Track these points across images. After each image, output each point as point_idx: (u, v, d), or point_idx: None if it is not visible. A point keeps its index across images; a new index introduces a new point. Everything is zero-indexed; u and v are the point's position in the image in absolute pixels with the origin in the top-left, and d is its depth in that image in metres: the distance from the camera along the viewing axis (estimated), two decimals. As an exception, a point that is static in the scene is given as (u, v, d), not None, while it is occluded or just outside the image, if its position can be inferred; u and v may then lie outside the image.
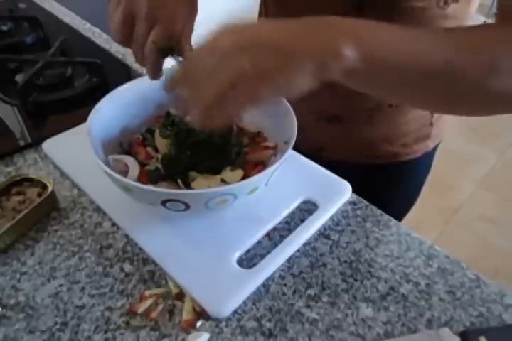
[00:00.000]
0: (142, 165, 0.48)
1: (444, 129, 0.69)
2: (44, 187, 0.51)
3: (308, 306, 0.42)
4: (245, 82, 0.33)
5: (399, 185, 0.71)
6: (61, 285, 0.44)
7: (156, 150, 0.50)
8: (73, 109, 0.67)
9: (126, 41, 0.43)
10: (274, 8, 0.60)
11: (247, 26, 0.34)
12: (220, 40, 0.34)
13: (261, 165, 0.48)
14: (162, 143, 0.49)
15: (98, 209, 0.51)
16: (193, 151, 0.48)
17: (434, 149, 0.71)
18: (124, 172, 0.47)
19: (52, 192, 0.50)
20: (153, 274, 0.45)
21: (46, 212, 0.50)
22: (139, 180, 0.46)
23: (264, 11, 0.64)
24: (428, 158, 0.71)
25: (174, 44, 0.42)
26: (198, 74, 0.35)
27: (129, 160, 0.48)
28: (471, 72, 0.34)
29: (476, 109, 0.40)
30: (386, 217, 0.51)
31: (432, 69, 0.34)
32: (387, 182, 0.69)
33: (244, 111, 0.35)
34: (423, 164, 0.73)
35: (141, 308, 0.41)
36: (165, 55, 0.43)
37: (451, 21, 0.51)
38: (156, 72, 0.45)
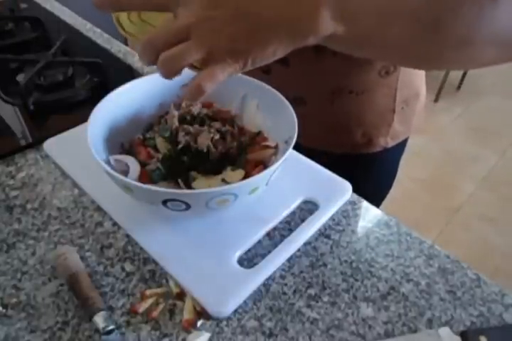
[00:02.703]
0: (143, 165, 0.48)
1: (406, 131, 0.70)
2: None
3: (308, 306, 0.42)
4: (217, 50, 0.32)
5: (364, 176, 0.73)
6: (62, 285, 0.44)
7: (157, 150, 0.50)
8: (74, 109, 0.67)
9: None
10: None
11: None
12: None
13: (261, 165, 0.48)
14: (162, 143, 0.49)
15: (99, 209, 0.52)
16: (193, 152, 0.48)
17: (397, 150, 0.73)
18: (125, 172, 0.47)
19: None
20: (153, 274, 0.45)
21: None
22: (140, 179, 0.46)
23: None
24: (390, 155, 0.73)
25: None
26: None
27: (130, 160, 0.48)
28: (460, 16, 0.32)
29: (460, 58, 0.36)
30: (386, 216, 0.51)
31: (420, 19, 0.32)
32: (352, 172, 0.71)
33: (213, 79, 0.33)
34: (385, 161, 0.74)
35: (142, 308, 0.42)
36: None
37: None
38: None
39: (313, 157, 0.57)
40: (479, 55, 0.35)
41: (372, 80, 0.61)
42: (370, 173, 0.75)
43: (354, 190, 0.53)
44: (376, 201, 0.77)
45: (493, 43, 0.34)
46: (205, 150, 0.47)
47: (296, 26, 0.31)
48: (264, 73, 0.60)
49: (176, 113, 0.51)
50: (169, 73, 0.33)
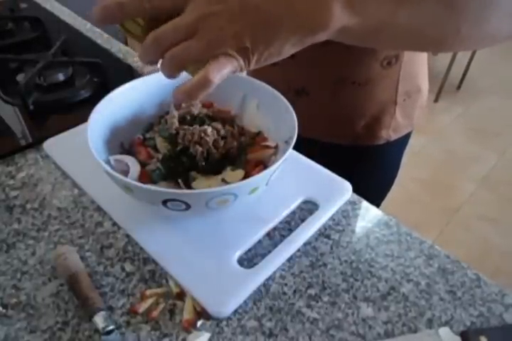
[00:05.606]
0: (143, 165, 0.48)
1: (408, 125, 0.71)
2: None
3: (308, 306, 0.42)
4: (222, 47, 0.31)
5: (367, 170, 0.74)
6: (62, 285, 0.44)
7: (157, 150, 0.50)
8: (74, 109, 0.67)
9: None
10: None
11: None
12: None
13: (261, 165, 0.48)
14: (162, 144, 0.49)
15: (99, 209, 0.52)
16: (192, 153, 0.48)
17: (400, 144, 0.73)
18: (125, 172, 0.47)
19: None
20: (153, 274, 0.45)
21: None
22: (140, 179, 0.46)
23: None
24: (393, 149, 0.74)
25: None
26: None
27: (130, 160, 0.48)
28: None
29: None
30: (386, 216, 0.51)
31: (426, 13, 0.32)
32: (356, 165, 0.72)
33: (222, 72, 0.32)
34: (388, 154, 0.74)
35: (142, 308, 0.42)
36: None
37: None
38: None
39: (316, 148, 0.57)
40: (496, 30, 0.34)
41: (374, 71, 0.61)
42: (373, 167, 0.75)
43: (356, 186, 0.53)
44: (377, 199, 0.77)
45: (510, 15, 0.33)
46: (205, 154, 0.47)
47: (305, 20, 0.30)
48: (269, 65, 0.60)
49: (175, 113, 0.51)
50: (173, 71, 0.33)
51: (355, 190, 0.54)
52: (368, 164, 0.74)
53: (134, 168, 0.47)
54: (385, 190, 0.81)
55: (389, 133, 0.69)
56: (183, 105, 0.53)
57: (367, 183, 0.56)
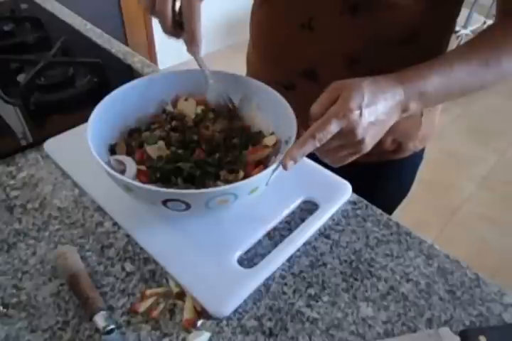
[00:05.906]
0: (140, 165, 0.48)
1: (431, 133, 0.70)
2: None
3: (308, 305, 0.42)
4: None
5: (386, 182, 0.72)
6: (62, 285, 0.44)
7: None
8: (74, 109, 0.67)
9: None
10: (265, 8, 0.60)
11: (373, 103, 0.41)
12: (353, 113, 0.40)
13: (262, 165, 0.48)
14: (152, 150, 0.49)
15: (99, 209, 0.52)
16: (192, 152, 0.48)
17: (421, 152, 0.72)
18: (124, 172, 0.47)
19: None
20: (154, 273, 0.45)
21: None
22: (139, 179, 0.46)
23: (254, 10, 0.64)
24: (415, 160, 0.72)
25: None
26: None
27: (128, 161, 0.48)
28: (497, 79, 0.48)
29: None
30: (386, 216, 0.52)
31: (470, 91, 0.49)
32: (376, 179, 0.70)
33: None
34: (410, 165, 0.73)
35: (142, 307, 0.42)
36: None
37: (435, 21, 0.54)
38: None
39: (337, 170, 0.56)
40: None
41: None
42: (393, 179, 0.73)
43: (370, 197, 0.53)
44: (391, 209, 0.75)
45: None
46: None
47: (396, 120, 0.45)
48: (287, 89, 0.60)
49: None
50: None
51: (371, 202, 0.53)
52: (388, 177, 0.72)
53: (131, 167, 0.47)
54: (400, 201, 0.79)
55: (416, 145, 0.67)
56: (177, 108, 0.53)
57: (384, 195, 0.55)
